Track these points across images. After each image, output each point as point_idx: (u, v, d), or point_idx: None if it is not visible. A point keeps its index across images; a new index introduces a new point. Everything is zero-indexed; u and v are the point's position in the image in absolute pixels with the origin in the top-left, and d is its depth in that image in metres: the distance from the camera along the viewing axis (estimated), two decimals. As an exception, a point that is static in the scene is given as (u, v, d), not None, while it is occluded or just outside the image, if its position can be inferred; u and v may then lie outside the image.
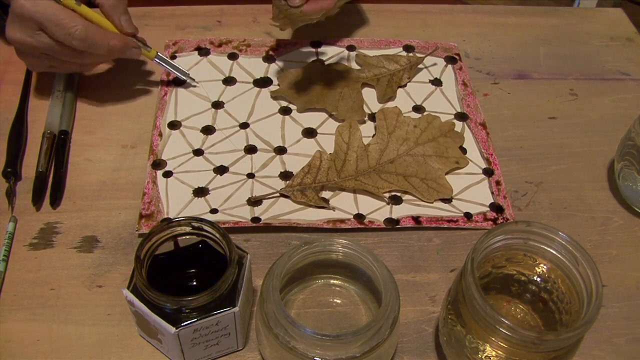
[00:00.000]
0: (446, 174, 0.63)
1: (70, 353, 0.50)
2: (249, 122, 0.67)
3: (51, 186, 0.60)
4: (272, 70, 0.72)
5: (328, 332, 0.43)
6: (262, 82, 0.71)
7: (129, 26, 0.63)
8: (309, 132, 0.67)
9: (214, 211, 0.59)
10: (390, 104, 0.70)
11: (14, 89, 0.68)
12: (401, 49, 0.76)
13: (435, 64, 0.75)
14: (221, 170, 0.63)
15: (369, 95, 0.71)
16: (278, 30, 0.67)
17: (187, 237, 0.50)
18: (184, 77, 0.69)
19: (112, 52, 0.61)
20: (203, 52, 0.74)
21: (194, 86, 0.69)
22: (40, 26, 0.57)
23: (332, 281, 0.53)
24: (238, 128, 0.66)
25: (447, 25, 0.80)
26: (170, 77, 0.70)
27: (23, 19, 0.57)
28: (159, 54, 0.67)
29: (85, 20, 0.59)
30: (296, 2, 0.62)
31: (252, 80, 0.71)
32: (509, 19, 0.82)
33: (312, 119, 0.68)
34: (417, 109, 0.70)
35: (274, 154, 0.64)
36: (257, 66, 0.73)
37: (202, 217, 0.50)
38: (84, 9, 0.60)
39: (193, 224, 0.49)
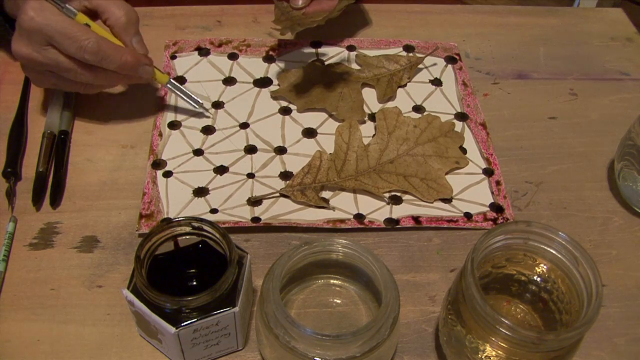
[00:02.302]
0: (446, 174, 0.63)
1: (70, 353, 0.50)
2: (249, 122, 0.67)
3: (51, 186, 0.60)
4: (272, 70, 0.72)
5: (328, 332, 0.43)
6: (262, 82, 0.71)
7: (140, 47, 0.60)
8: (309, 132, 0.67)
9: (214, 211, 0.59)
10: (390, 104, 0.70)
11: (14, 89, 0.68)
12: (401, 49, 0.76)
13: (435, 64, 0.75)
14: (221, 170, 0.63)
15: (369, 95, 0.71)
16: (276, 27, 0.67)
17: (187, 237, 0.50)
18: (197, 106, 0.66)
19: (123, 67, 0.58)
20: (203, 52, 0.74)
21: (201, 99, 0.67)
22: (50, 40, 0.56)
23: (332, 281, 0.53)
24: (238, 128, 0.66)
25: (447, 25, 0.80)
26: (170, 78, 0.70)
27: (31, 33, 0.55)
28: (171, 80, 0.65)
29: (97, 34, 0.57)
30: (299, 4, 0.61)
31: (252, 80, 0.71)
32: (509, 19, 0.82)
33: (312, 119, 0.68)
34: (417, 109, 0.70)
35: (274, 154, 0.64)
36: (257, 66, 0.73)
37: (202, 217, 0.50)
38: (96, 27, 0.59)
39: (193, 224, 0.49)
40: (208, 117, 0.66)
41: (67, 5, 0.57)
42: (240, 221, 0.58)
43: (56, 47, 0.56)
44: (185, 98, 0.65)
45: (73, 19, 0.57)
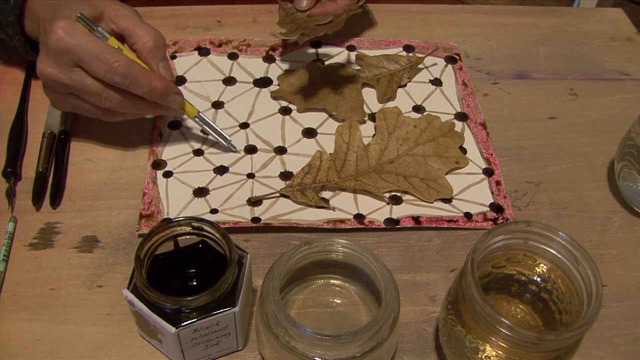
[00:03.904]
0: (446, 174, 0.63)
1: (70, 353, 0.50)
2: (249, 122, 0.67)
3: (51, 186, 0.60)
4: (272, 70, 0.72)
5: (328, 332, 0.43)
6: (262, 82, 0.71)
7: (167, 73, 0.58)
8: (309, 132, 0.67)
9: (214, 211, 0.59)
10: (390, 104, 0.70)
11: (14, 89, 0.68)
12: (401, 49, 0.76)
13: (435, 64, 0.75)
14: (221, 170, 0.63)
15: (369, 95, 0.71)
16: (281, 30, 0.67)
17: (187, 237, 0.50)
18: (225, 143, 0.63)
19: (152, 93, 0.56)
20: (203, 52, 0.74)
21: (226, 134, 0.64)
22: (78, 61, 0.54)
23: (332, 281, 0.53)
24: (238, 128, 0.66)
25: (447, 25, 0.80)
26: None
27: (59, 53, 0.53)
28: (200, 113, 0.62)
29: (128, 57, 0.55)
30: (303, 6, 0.61)
31: (252, 80, 0.71)
32: (509, 19, 0.82)
33: (312, 119, 0.68)
34: (417, 109, 0.70)
35: (274, 154, 0.64)
36: (257, 66, 0.73)
37: (202, 217, 0.50)
38: (127, 51, 0.57)
39: (193, 224, 0.49)
40: (235, 152, 0.64)
41: (99, 27, 0.56)
42: (240, 221, 0.58)
43: (84, 69, 0.54)
44: (212, 133, 0.63)
45: (104, 42, 0.55)
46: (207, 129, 0.63)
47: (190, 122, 0.66)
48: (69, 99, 0.58)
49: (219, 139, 0.63)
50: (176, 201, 0.60)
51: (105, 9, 0.57)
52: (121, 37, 0.58)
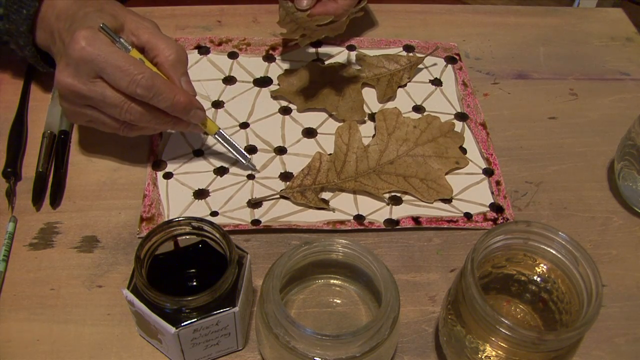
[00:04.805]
0: (446, 174, 0.63)
1: (70, 353, 0.50)
2: (249, 122, 0.67)
3: (51, 186, 0.60)
4: (272, 69, 0.72)
5: (328, 332, 0.43)
6: (262, 82, 0.71)
7: (189, 88, 0.57)
8: (309, 132, 0.67)
9: (214, 214, 0.59)
10: (390, 104, 0.70)
11: (14, 89, 0.68)
12: (401, 48, 0.76)
13: (435, 64, 0.75)
14: (221, 171, 0.63)
15: (369, 95, 0.71)
16: (282, 30, 0.67)
17: (187, 237, 0.50)
18: (245, 162, 0.62)
19: (175, 107, 0.55)
20: (203, 50, 0.74)
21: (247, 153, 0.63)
22: (100, 72, 0.52)
23: (332, 281, 0.53)
24: (238, 128, 0.66)
25: (447, 25, 0.80)
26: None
27: (80, 63, 0.52)
28: (221, 130, 0.61)
29: (151, 70, 0.54)
30: (303, 5, 0.61)
31: (252, 79, 0.71)
32: (509, 19, 0.82)
33: (312, 119, 0.68)
34: (417, 109, 0.70)
35: (274, 154, 0.64)
36: (257, 65, 0.73)
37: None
38: (149, 64, 0.56)
39: (193, 223, 0.49)
40: (254, 171, 0.63)
41: (121, 38, 0.55)
42: (241, 224, 0.58)
43: (105, 80, 0.53)
44: (232, 151, 0.61)
45: (126, 53, 0.54)
46: (227, 146, 0.61)
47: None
48: (86, 111, 0.56)
49: (239, 157, 0.62)
50: (176, 203, 0.59)
51: (125, 20, 0.56)
52: (141, 50, 0.57)
